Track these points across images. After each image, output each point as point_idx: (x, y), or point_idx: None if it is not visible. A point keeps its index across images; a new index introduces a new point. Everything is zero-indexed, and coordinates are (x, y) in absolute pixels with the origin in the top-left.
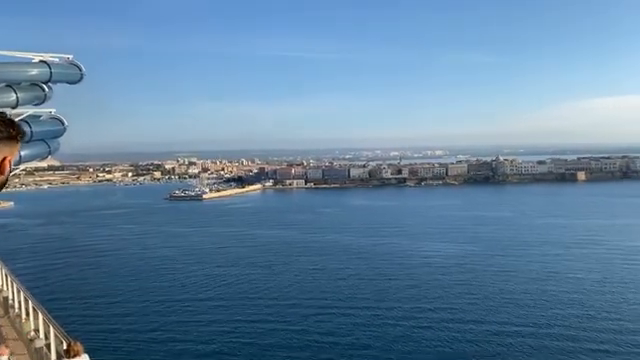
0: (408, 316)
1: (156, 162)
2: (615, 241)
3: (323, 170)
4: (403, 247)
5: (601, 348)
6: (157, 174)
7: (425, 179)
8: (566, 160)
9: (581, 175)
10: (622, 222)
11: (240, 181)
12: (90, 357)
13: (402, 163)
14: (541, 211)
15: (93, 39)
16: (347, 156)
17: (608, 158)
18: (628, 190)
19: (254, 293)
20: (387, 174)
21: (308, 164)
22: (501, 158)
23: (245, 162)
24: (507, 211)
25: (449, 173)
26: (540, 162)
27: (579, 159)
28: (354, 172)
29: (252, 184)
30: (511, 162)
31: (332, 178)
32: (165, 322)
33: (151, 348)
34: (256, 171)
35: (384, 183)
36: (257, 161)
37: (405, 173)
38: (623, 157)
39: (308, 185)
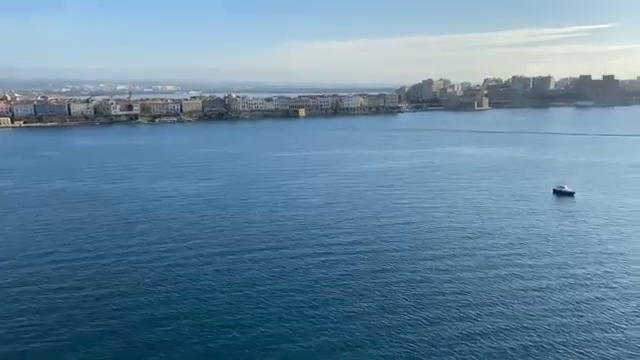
0: (160, 257)
1: None
2: (336, 168)
3: (35, 106)
4: (143, 188)
5: (329, 251)
6: None
7: (159, 116)
8: (289, 98)
9: (302, 111)
10: (338, 152)
11: None
12: None
13: (132, 98)
14: (273, 145)
15: None
16: (64, 89)
17: (322, 96)
18: (338, 124)
19: None
20: (116, 110)
21: (13, 98)
22: (234, 95)
23: None
24: (244, 146)
25: (184, 109)
26: (268, 99)
27: (300, 97)
28: (76, 108)
29: None
30: (243, 99)
31: (48, 115)
32: None
33: None
34: None
35: (113, 120)
36: None
37: (137, 109)
38: (334, 96)
39: (16, 124)
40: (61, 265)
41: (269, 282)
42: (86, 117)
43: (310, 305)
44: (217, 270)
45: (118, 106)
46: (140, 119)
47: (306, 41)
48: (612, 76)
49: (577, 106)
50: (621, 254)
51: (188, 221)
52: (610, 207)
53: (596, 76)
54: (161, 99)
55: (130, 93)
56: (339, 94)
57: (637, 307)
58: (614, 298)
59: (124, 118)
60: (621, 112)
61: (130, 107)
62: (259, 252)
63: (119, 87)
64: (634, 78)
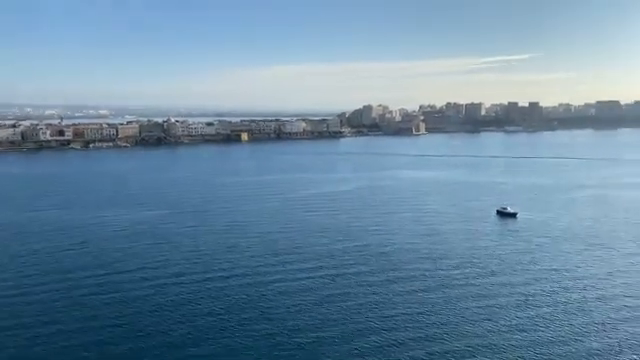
0: (95, 289)
1: None
2: (283, 193)
3: None
4: (78, 218)
5: (278, 273)
6: None
7: (93, 141)
8: (231, 122)
9: (244, 136)
10: (284, 176)
11: None
12: None
13: (64, 123)
14: (215, 170)
15: None
16: None
17: (265, 121)
18: (282, 148)
19: None
20: (46, 136)
21: None
22: (173, 119)
23: None
24: (184, 172)
25: (120, 134)
26: (209, 124)
27: (242, 121)
28: (1, 134)
29: None
30: (182, 123)
31: None
32: None
33: None
34: None
35: (42, 146)
36: None
37: (69, 134)
38: (276, 120)
39: None
40: None
41: (219, 311)
42: (12, 142)
43: (263, 332)
44: (158, 299)
45: (48, 131)
46: (73, 145)
47: (246, 66)
48: (537, 103)
49: (506, 131)
50: (565, 270)
51: (126, 251)
52: (550, 226)
53: (522, 103)
54: (95, 124)
55: (62, 118)
56: (281, 119)
57: (581, 319)
58: (563, 312)
59: (54, 144)
60: (548, 137)
61: (62, 132)
62: (207, 279)
63: (48, 112)
64: (556, 105)
